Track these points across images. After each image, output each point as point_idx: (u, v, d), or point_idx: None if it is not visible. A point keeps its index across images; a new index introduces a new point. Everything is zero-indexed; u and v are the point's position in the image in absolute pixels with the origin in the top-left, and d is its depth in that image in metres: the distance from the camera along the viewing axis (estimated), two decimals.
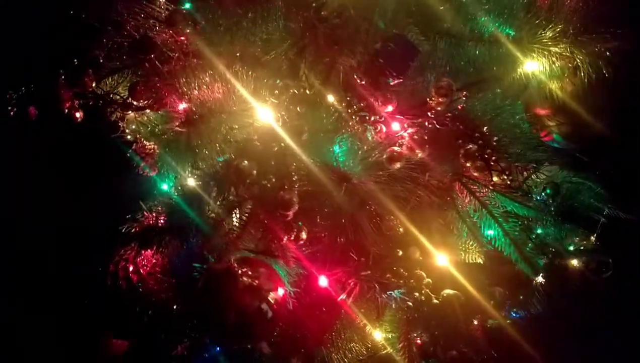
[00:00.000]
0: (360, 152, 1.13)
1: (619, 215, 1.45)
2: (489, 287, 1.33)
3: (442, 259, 1.21)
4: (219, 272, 1.10)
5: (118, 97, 1.33)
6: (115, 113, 1.35)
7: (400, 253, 1.19)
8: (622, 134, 1.16)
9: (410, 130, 1.10)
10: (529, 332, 1.40)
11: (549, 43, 1.08)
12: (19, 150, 1.54)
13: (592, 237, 1.51)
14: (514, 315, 1.42)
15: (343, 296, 1.18)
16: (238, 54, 1.16)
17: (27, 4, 1.39)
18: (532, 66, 1.11)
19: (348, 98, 1.09)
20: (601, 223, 1.47)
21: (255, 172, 1.03)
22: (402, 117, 1.10)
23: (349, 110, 1.10)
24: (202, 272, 1.16)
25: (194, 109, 1.13)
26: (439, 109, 1.07)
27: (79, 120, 1.31)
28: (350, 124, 1.11)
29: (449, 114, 1.11)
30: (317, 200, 1.12)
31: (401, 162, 1.10)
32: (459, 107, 1.11)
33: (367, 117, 1.10)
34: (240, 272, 1.11)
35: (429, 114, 1.08)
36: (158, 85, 1.21)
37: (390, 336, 1.31)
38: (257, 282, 1.12)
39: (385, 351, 1.33)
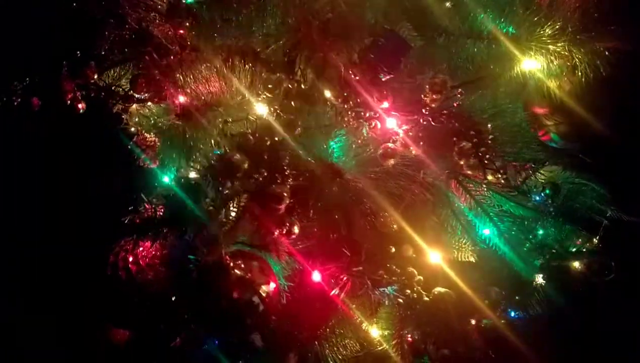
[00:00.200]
0: (354, 148, 1.13)
1: (622, 217, 1.42)
2: (486, 286, 1.33)
3: (435, 257, 1.20)
4: (211, 264, 1.11)
5: (120, 89, 1.35)
6: (117, 105, 1.37)
7: (393, 250, 1.19)
8: (622, 135, 1.14)
9: (405, 126, 1.10)
10: (529, 333, 1.39)
11: (548, 41, 1.06)
12: (20, 141, 1.56)
13: (594, 239, 1.49)
14: (514, 315, 1.41)
15: (335, 291, 1.18)
16: (236, 48, 1.16)
17: None
18: (531, 64, 1.10)
19: (344, 93, 1.09)
20: (604, 225, 1.45)
21: (246, 165, 1.03)
22: (397, 114, 1.09)
23: (345, 106, 1.10)
24: (196, 264, 1.17)
25: (191, 102, 1.14)
26: (433, 105, 1.06)
27: (81, 111, 1.34)
28: (345, 119, 1.11)
29: (445, 111, 1.10)
30: (310, 195, 1.13)
31: (395, 159, 1.10)
32: (455, 104, 1.10)
33: (363, 113, 1.10)
34: (232, 264, 1.12)
35: (423, 110, 1.08)
36: (158, 78, 1.22)
37: (385, 333, 1.31)
38: (249, 275, 1.12)
39: (380, 348, 1.33)
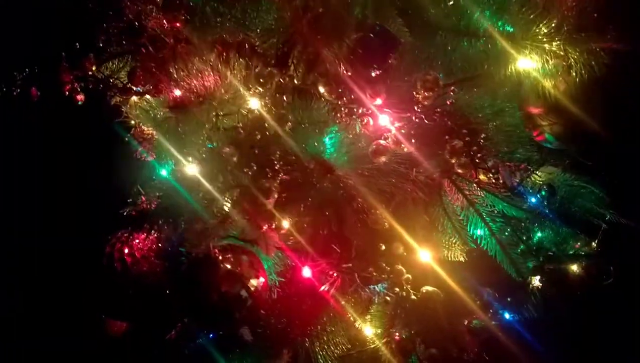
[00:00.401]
0: (346, 144, 1.12)
1: (621, 221, 1.40)
2: (478, 286, 1.32)
3: (425, 256, 1.20)
4: (200, 257, 1.11)
5: (118, 82, 1.36)
6: (115, 97, 1.38)
7: (384, 247, 1.18)
8: (618, 136, 1.12)
9: (397, 124, 1.09)
10: (524, 336, 1.38)
11: (544, 40, 1.05)
12: (19, 133, 1.58)
13: (593, 243, 1.47)
14: (510, 318, 1.40)
15: (325, 287, 1.18)
16: (231, 42, 1.16)
17: None
18: (526, 64, 1.09)
19: (337, 89, 1.08)
20: (603, 229, 1.43)
21: (235, 159, 1.03)
22: (389, 111, 1.09)
23: (338, 102, 1.10)
24: (187, 256, 1.18)
25: (185, 95, 1.14)
26: (425, 103, 1.05)
27: (79, 103, 1.35)
28: (337, 115, 1.10)
29: (438, 109, 1.09)
30: (301, 191, 1.12)
31: (386, 156, 1.09)
32: (448, 102, 1.09)
33: (355, 109, 1.09)
34: (221, 258, 1.12)
35: (416, 108, 1.07)
36: (154, 70, 1.23)
37: (376, 331, 1.31)
38: (238, 269, 1.13)
39: (372, 346, 1.32)
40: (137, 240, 1.45)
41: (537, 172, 1.28)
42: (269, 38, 1.15)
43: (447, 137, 1.08)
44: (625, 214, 1.39)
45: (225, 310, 1.13)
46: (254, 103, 1.10)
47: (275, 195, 1.03)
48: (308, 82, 1.09)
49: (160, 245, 1.42)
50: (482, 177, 1.07)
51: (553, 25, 1.04)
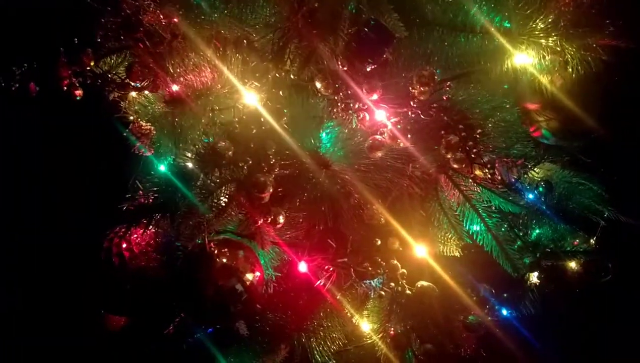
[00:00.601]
0: (342, 139, 1.12)
1: (619, 218, 1.40)
2: (475, 282, 1.31)
3: (421, 251, 1.20)
4: (196, 252, 1.12)
5: (117, 77, 1.36)
6: (113, 93, 1.38)
7: (379, 242, 1.18)
8: (615, 132, 1.12)
9: (393, 119, 1.09)
10: (521, 332, 1.38)
11: (540, 35, 1.05)
12: (17, 128, 1.59)
13: (591, 240, 1.47)
14: (507, 314, 1.40)
15: (320, 282, 1.18)
16: (228, 37, 1.17)
17: None
18: (523, 59, 1.09)
19: (333, 84, 1.08)
20: (601, 226, 1.43)
21: (231, 153, 1.04)
22: (386, 106, 1.09)
23: (334, 97, 1.10)
24: (183, 251, 1.18)
25: (181, 90, 1.15)
26: (421, 98, 1.05)
27: (78, 98, 1.35)
28: (333, 110, 1.10)
29: (435, 105, 1.09)
30: (297, 185, 1.13)
31: (383, 151, 1.09)
32: (444, 98, 1.09)
33: (352, 104, 1.09)
34: (217, 252, 1.12)
35: (412, 103, 1.07)
36: (151, 65, 1.23)
37: (372, 327, 1.31)
38: (234, 263, 1.13)
39: (369, 341, 1.32)
40: (135, 235, 1.46)
41: (535, 168, 1.28)
42: (266, 33, 1.16)
43: (443, 132, 1.08)
44: (623, 211, 1.39)
45: (221, 304, 1.13)
46: (251, 98, 1.10)
47: (271, 190, 1.03)
48: (304, 77, 1.09)
49: (157, 239, 1.42)
50: (478, 172, 1.07)
51: (550, 20, 1.04)
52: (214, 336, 1.39)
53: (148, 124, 1.35)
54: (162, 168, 1.46)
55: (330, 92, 1.08)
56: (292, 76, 1.11)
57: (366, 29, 0.93)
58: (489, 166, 1.05)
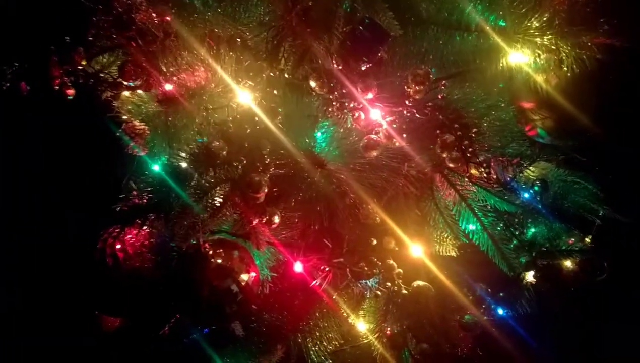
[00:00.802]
0: (337, 139, 1.12)
1: (615, 217, 1.40)
2: (472, 281, 1.31)
3: (417, 250, 1.19)
4: (191, 252, 1.11)
5: (109, 76, 1.34)
6: (106, 92, 1.37)
7: (375, 242, 1.18)
8: (610, 131, 1.12)
9: (389, 118, 1.09)
10: (517, 331, 1.38)
11: (535, 34, 1.05)
12: (8, 130, 1.57)
13: (587, 239, 1.47)
14: (503, 313, 1.40)
15: (316, 282, 1.18)
16: (222, 36, 1.16)
17: None
18: (518, 58, 1.08)
19: (328, 83, 1.08)
20: (596, 225, 1.43)
21: (225, 152, 1.03)
22: (381, 105, 1.08)
23: (329, 96, 1.09)
24: (177, 251, 1.17)
25: (175, 89, 1.14)
26: (417, 97, 1.05)
27: (70, 97, 1.34)
28: (328, 109, 1.10)
29: (430, 104, 1.09)
30: (292, 185, 1.12)
31: (378, 150, 1.08)
32: (440, 96, 1.09)
33: (347, 104, 1.09)
34: (212, 253, 1.12)
35: (407, 102, 1.06)
36: (144, 64, 1.22)
37: (368, 327, 1.31)
38: (229, 263, 1.12)
39: (365, 341, 1.32)
40: (129, 236, 1.44)
41: (530, 167, 1.28)
42: (260, 32, 1.15)
43: (438, 131, 1.07)
44: (619, 210, 1.39)
45: (216, 305, 1.13)
46: (245, 97, 1.09)
47: (266, 190, 1.03)
48: (299, 75, 1.08)
49: (152, 240, 1.41)
50: (474, 171, 1.07)
51: (544, 19, 1.03)
52: (210, 337, 1.38)
53: (141, 123, 1.33)
54: (156, 168, 1.45)
55: (325, 91, 1.08)
56: (286, 75, 1.10)
57: (361, 28, 0.92)
58: (484, 165, 1.05)
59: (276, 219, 1.11)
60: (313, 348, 1.35)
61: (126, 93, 1.39)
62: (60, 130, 1.61)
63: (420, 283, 1.17)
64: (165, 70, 1.12)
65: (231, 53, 1.11)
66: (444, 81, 1.05)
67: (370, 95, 1.07)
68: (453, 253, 1.22)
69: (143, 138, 1.45)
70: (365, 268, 1.16)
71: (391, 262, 1.17)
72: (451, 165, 1.05)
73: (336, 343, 1.35)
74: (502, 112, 1.11)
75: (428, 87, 1.01)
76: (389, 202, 1.16)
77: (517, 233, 1.28)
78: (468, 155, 1.04)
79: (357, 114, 1.09)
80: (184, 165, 1.23)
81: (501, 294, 1.29)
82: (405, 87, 1.04)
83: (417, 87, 1.02)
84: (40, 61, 1.28)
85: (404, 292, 1.15)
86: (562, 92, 1.08)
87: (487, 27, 1.07)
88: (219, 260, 1.12)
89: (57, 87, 1.30)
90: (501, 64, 1.09)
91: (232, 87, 1.10)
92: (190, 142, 1.13)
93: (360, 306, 1.28)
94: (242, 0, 1.08)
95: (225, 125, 1.06)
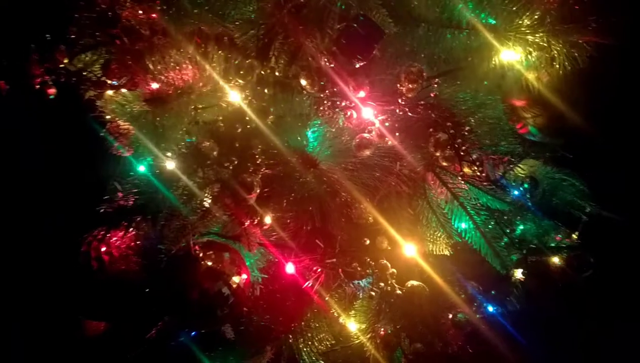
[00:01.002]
0: (329, 138, 1.10)
1: (601, 213, 1.42)
2: (463, 280, 1.31)
3: (410, 250, 1.19)
4: (180, 254, 1.08)
5: (92, 75, 1.31)
6: (89, 91, 1.33)
7: (368, 242, 1.17)
8: (600, 128, 1.12)
9: (381, 117, 1.08)
10: (507, 328, 1.38)
11: (527, 31, 1.04)
12: None
13: (574, 235, 1.48)
14: (493, 310, 1.40)
15: (309, 283, 1.16)
16: (210, 34, 1.13)
17: None
18: (509, 55, 1.08)
19: (320, 82, 1.06)
20: (583, 221, 1.44)
21: (216, 153, 1.01)
22: (373, 104, 1.07)
23: (321, 95, 1.07)
24: (166, 254, 1.14)
25: (162, 88, 1.11)
26: (409, 95, 1.04)
27: (51, 97, 1.30)
28: (320, 108, 1.08)
29: (422, 102, 1.08)
30: (284, 185, 1.10)
31: (371, 150, 1.07)
32: (432, 95, 1.08)
33: (338, 102, 1.08)
34: (202, 255, 1.09)
35: (400, 101, 1.05)
36: (129, 63, 1.19)
37: (360, 327, 1.30)
38: (219, 266, 1.10)
39: (357, 341, 1.31)
40: (114, 238, 1.41)
41: (520, 165, 1.28)
42: (248, 30, 1.13)
43: (431, 130, 1.07)
44: (605, 207, 1.40)
45: (207, 308, 1.10)
46: (235, 96, 1.07)
47: (258, 190, 1.01)
48: (290, 74, 1.06)
49: (139, 242, 1.38)
50: (466, 170, 1.07)
51: (536, 17, 1.03)
52: (199, 339, 1.36)
53: (126, 123, 1.30)
54: (142, 168, 1.42)
55: (316, 90, 1.06)
56: (277, 73, 1.08)
57: (355, 25, 0.91)
58: (477, 163, 1.05)
59: (268, 220, 1.09)
60: (305, 349, 1.34)
61: (110, 92, 1.35)
62: (41, 129, 1.56)
63: (415, 283, 1.16)
64: (152, 68, 1.09)
65: (220, 51, 1.09)
66: (436, 79, 1.04)
67: (362, 94, 1.05)
68: (447, 253, 1.22)
69: (128, 138, 1.42)
70: (359, 269, 1.15)
71: (385, 262, 1.16)
72: (444, 164, 1.05)
73: (328, 343, 1.34)
74: (494, 110, 1.10)
75: (421, 85, 1.01)
76: (381, 201, 1.15)
77: (508, 231, 1.28)
78: (461, 153, 1.03)
79: (349, 113, 1.08)
80: (171, 165, 1.21)
81: (492, 292, 1.29)
82: (398, 85, 1.03)
83: (410, 86, 1.01)
84: (19, 59, 1.24)
85: (398, 292, 1.14)
86: (554, 90, 1.08)
87: (479, 25, 1.06)
88: (210, 263, 1.10)
89: (37, 86, 1.27)
90: (493, 62, 1.08)
91: (221, 86, 1.08)
92: (179, 142, 1.11)
93: (351, 306, 1.27)
94: None
95: (215, 124, 1.03)
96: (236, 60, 1.08)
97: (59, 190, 1.61)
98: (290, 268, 1.19)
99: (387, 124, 1.08)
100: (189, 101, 1.10)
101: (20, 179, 1.63)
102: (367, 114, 1.07)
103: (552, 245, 1.46)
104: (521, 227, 1.45)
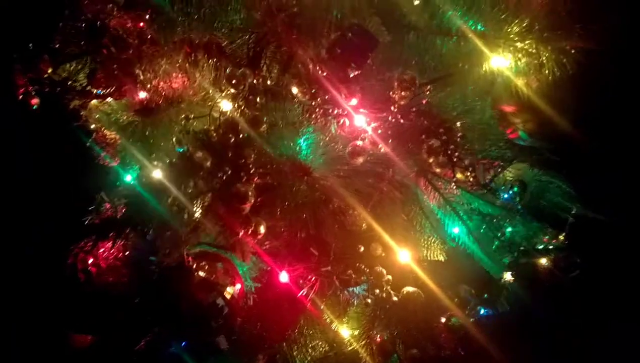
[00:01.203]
0: (322, 146, 1.10)
1: (587, 214, 1.44)
2: (455, 284, 1.32)
3: (404, 256, 1.19)
4: (173, 266, 1.07)
5: (77, 84, 1.28)
6: (74, 101, 1.31)
7: (362, 249, 1.17)
8: (588, 132, 1.14)
9: (373, 124, 1.08)
10: (498, 330, 1.39)
11: (515, 38, 1.06)
12: None
13: (561, 236, 1.50)
14: (484, 313, 1.41)
15: (303, 292, 1.16)
16: (199, 43, 1.12)
17: None
18: (499, 62, 1.09)
19: (311, 90, 1.06)
20: (569, 222, 1.46)
21: (209, 163, 0.99)
22: (365, 111, 1.07)
23: (312, 103, 1.07)
24: (158, 265, 1.13)
25: (151, 98, 1.09)
26: (402, 103, 1.04)
27: (34, 107, 1.27)
28: (313, 116, 1.08)
29: (414, 109, 1.09)
30: (277, 194, 1.09)
31: (364, 157, 1.07)
32: (424, 101, 1.09)
33: (331, 110, 1.07)
34: (195, 266, 1.08)
35: (392, 108, 1.06)
36: (116, 72, 1.17)
37: (354, 333, 1.29)
38: (213, 276, 1.09)
39: (350, 348, 1.31)
40: (102, 250, 1.39)
41: (509, 169, 1.30)
42: (237, 38, 1.12)
43: (423, 136, 1.07)
44: (591, 208, 1.43)
45: (202, 320, 1.09)
46: (226, 105, 1.06)
47: (253, 200, 1.00)
48: (281, 82, 1.06)
49: (127, 253, 1.36)
50: (459, 175, 1.07)
51: (524, 24, 1.05)
52: (191, 349, 1.34)
53: (112, 132, 1.28)
54: (129, 178, 1.39)
55: (308, 98, 1.06)
56: (268, 82, 1.07)
57: (350, 34, 0.90)
58: (470, 169, 1.06)
59: (262, 229, 1.08)
60: (298, 356, 1.33)
61: (95, 101, 1.33)
62: (29, 139, 1.52)
63: (410, 289, 1.16)
64: (141, 77, 1.07)
65: (209, 60, 1.08)
66: (429, 86, 1.05)
67: (354, 101, 1.05)
68: (441, 258, 1.23)
69: (114, 148, 1.40)
70: (353, 276, 1.14)
71: (380, 269, 1.16)
72: (438, 170, 1.05)
73: (322, 350, 1.33)
74: (481, 115, 1.11)
75: (414, 92, 1.01)
76: (375, 208, 1.15)
77: (498, 234, 1.30)
78: (454, 159, 1.04)
79: (341, 120, 1.08)
80: (159, 176, 1.19)
81: (485, 295, 1.30)
82: (391, 92, 1.03)
83: (402, 93, 1.02)
84: (2, 69, 1.21)
85: (394, 298, 1.15)
86: (543, 95, 1.10)
87: (468, 32, 1.07)
88: (203, 274, 1.09)
89: (20, 97, 1.24)
90: (483, 68, 1.10)
91: (212, 95, 1.07)
92: (170, 152, 1.09)
93: (345, 313, 1.27)
94: (222, 4, 1.04)
95: (207, 134, 1.02)
96: (227, 69, 1.07)
97: (46, 201, 1.57)
98: (284, 277, 1.18)
99: (379, 131, 1.08)
100: (180, 110, 1.09)
101: (7, 188, 1.59)
102: (360, 121, 1.07)
103: (540, 247, 1.47)
104: (510, 229, 1.46)
